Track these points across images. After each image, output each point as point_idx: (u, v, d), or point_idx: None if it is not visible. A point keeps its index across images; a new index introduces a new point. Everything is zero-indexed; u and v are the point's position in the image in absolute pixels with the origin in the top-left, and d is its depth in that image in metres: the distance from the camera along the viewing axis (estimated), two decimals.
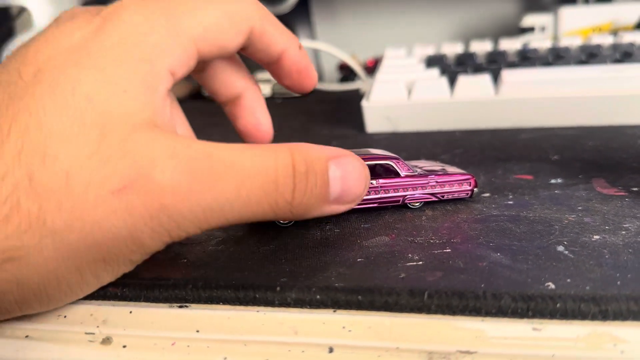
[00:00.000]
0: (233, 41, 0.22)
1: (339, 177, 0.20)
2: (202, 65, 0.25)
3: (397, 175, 0.25)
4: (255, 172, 0.18)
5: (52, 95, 0.17)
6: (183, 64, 0.20)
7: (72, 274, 0.17)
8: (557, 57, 0.42)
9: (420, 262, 0.20)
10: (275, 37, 0.24)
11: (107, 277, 0.18)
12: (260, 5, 0.23)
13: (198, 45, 0.21)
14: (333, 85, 0.63)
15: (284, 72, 0.25)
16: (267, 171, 0.18)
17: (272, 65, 0.25)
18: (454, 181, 0.25)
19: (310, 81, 0.26)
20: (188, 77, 0.23)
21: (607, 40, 0.45)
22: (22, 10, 0.63)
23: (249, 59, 0.26)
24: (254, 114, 0.27)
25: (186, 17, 0.20)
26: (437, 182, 0.25)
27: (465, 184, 0.26)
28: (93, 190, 0.16)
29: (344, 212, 0.21)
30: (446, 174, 0.26)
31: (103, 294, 0.20)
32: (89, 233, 0.16)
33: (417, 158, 0.33)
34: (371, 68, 0.64)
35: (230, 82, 0.26)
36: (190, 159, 0.17)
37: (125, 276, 0.21)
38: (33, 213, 0.16)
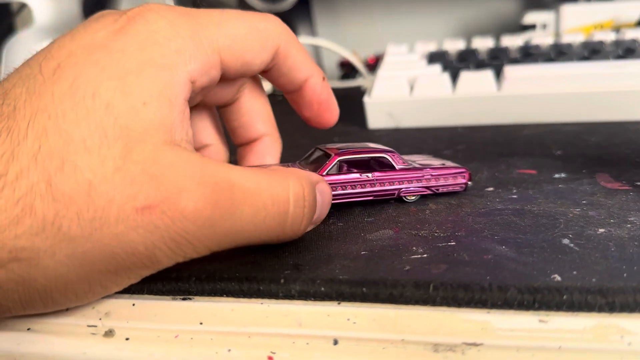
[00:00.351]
0: (258, 57, 0.22)
1: (320, 203, 0.21)
2: (231, 97, 0.25)
3: (392, 168, 0.25)
4: (270, 203, 0.19)
5: (71, 98, 0.17)
6: (204, 73, 0.20)
7: (81, 281, 0.17)
8: (559, 53, 0.42)
9: (425, 255, 0.20)
10: (300, 62, 0.24)
11: (114, 288, 0.19)
12: (288, 28, 0.23)
13: (222, 57, 0.21)
14: (334, 83, 0.63)
15: (304, 102, 0.25)
16: (281, 202, 0.19)
17: (294, 93, 0.25)
18: (449, 174, 0.26)
19: (331, 115, 0.26)
20: None
21: (609, 36, 0.45)
22: (23, 6, 0.63)
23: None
24: (263, 160, 0.26)
25: (212, 27, 0.20)
26: (432, 175, 0.25)
27: (459, 177, 0.26)
28: (116, 206, 0.16)
29: None
30: (441, 167, 0.26)
31: None
32: (107, 245, 0.16)
33: (420, 154, 0.33)
34: (372, 65, 0.64)
35: (253, 123, 0.26)
36: (215, 189, 0.17)
37: None
38: (48, 218, 0.16)
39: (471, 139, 0.36)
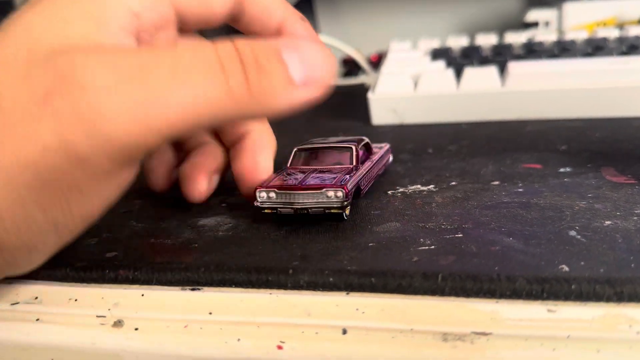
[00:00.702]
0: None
1: (297, 59, 0.18)
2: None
3: (371, 151, 0.28)
4: (193, 59, 0.16)
5: (5, 31, 0.17)
6: (149, 7, 0.19)
7: (15, 204, 0.16)
8: (563, 49, 0.42)
9: (433, 247, 0.20)
10: (270, 3, 0.22)
11: (56, 212, 0.17)
12: None
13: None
14: (337, 80, 0.63)
15: None
16: (206, 56, 0.17)
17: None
18: (389, 150, 0.30)
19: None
20: None
21: (612, 33, 0.45)
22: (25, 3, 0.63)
23: None
24: (254, 156, 0.25)
25: None
26: (387, 152, 0.30)
27: (390, 152, 0.31)
28: (20, 106, 0.16)
29: (314, 99, 0.19)
30: (385, 145, 0.30)
31: (114, 278, 0.20)
32: (20, 151, 0.16)
33: (424, 150, 0.33)
34: (375, 63, 0.64)
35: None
36: (114, 55, 0.16)
37: (136, 259, 0.21)
38: None
39: (475, 134, 0.36)
